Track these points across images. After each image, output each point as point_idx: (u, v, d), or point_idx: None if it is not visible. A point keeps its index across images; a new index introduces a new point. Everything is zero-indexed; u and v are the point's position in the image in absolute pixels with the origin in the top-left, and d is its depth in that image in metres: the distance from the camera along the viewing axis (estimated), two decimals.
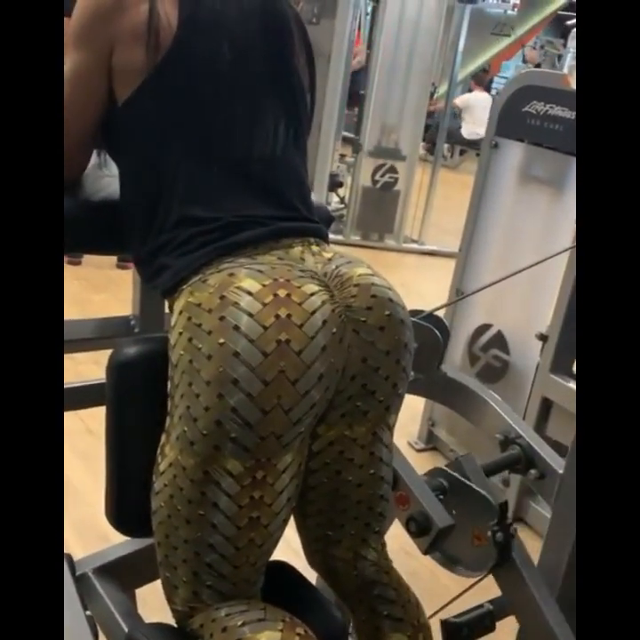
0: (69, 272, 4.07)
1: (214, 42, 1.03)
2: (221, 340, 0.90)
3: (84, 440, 2.39)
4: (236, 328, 0.90)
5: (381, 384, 1.04)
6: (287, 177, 1.10)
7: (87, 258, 4.19)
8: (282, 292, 0.92)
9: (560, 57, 9.62)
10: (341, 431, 1.05)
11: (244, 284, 0.92)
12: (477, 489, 1.24)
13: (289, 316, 0.91)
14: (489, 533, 1.21)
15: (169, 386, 0.98)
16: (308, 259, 1.03)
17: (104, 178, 1.15)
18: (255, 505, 0.94)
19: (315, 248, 1.05)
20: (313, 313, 0.93)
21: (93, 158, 1.13)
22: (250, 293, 0.91)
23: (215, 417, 0.91)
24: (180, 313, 0.96)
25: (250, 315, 0.90)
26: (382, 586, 1.15)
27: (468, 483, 1.24)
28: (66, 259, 4.10)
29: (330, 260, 1.04)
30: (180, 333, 0.95)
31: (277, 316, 0.91)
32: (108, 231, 1.11)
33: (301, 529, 1.15)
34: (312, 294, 0.94)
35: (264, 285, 0.92)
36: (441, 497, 1.27)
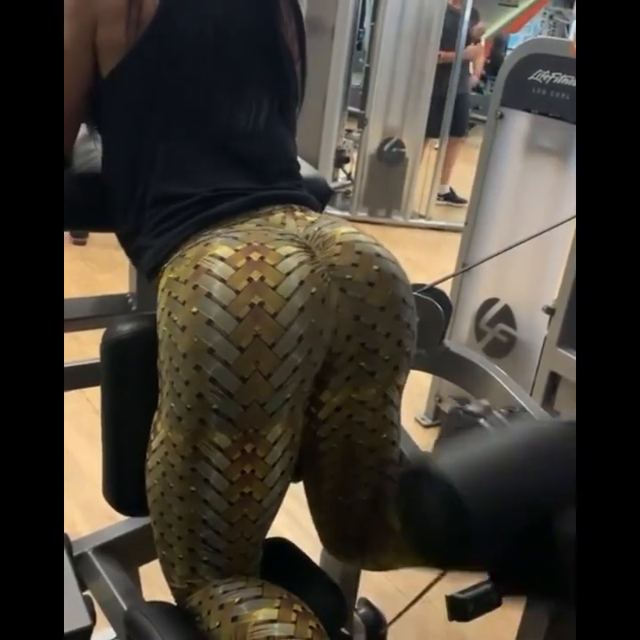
0: (75, 252, 4.07)
1: (197, 13, 1.02)
2: (194, 310, 0.88)
3: (90, 420, 2.38)
4: (209, 295, 0.88)
5: (383, 342, 1.01)
6: (270, 151, 1.08)
7: (92, 237, 4.19)
8: (255, 256, 0.90)
9: (568, 27, 9.49)
10: (347, 394, 1.02)
11: (218, 251, 0.91)
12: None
13: (262, 278, 0.89)
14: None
15: (158, 363, 0.97)
16: (290, 223, 1.01)
17: (93, 152, 1.13)
18: (246, 480, 0.93)
19: (298, 213, 1.03)
20: (288, 274, 0.90)
21: (82, 130, 1.12)
22: (222, 259, 0.89)
23: (196, 390, 0.89)
24: (163, 290, 0.95)
25: (222, 280, 0.88)
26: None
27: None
28: (71, 239, 4.11)
29: (313, 222, 1.01)
30: (163, 309, 0.94)
31: (250, 280, 0.88)
32: (96, 207, 1.10)
33: (313, 497, 1.13)
34: (288, 256, 0.91)
35: (237, 250, 0.90)
36: None
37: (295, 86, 1.14)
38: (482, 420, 1.16)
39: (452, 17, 5.61)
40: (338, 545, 1.17)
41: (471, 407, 1.16)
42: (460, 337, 2.68)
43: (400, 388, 1.09)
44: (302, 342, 0.91)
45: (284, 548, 1.16)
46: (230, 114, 1.04)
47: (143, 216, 1.01)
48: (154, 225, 0.99)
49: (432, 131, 5.72)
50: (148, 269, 1.00)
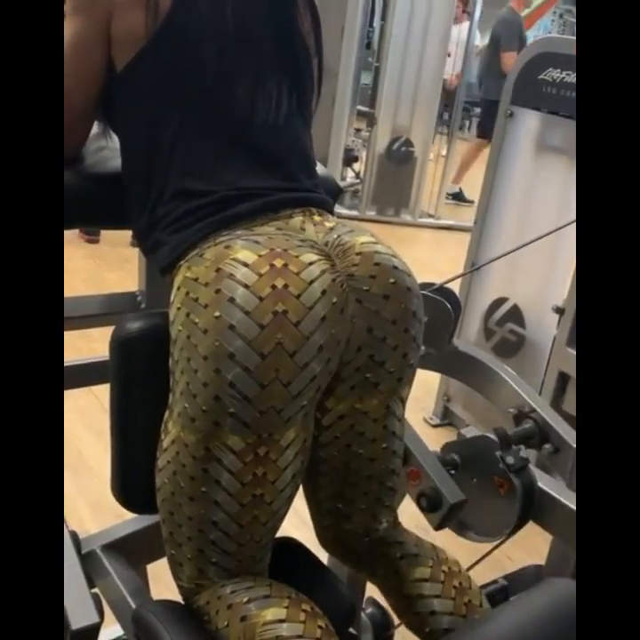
0: (87, 250, 4.10)
1: (215, 5, 1.00)
2: (217, 314, 0.88)
3: (99, 417, 2.38)
4: (232, 300, 0.88)
5: (390, 354, 1.01)
6: (289, 146, 1.07)
7: (104, 236, 4.20)
8: (278, 262, 0.89)
9: None
10: (351, 404, 1.03)
11: (240, 256, 0.90)
12: (474, 435, 1.23)
13: (286, 286, 0.88)
14: (500, 465, 1.19)
15: (170, 362, 0.96)
16: (309, 228, 1.00)
17: (105, 150, 1.13)
18: (258, 482, 0.93)
19: (316, 218, 1.02)
20: (311, 282, 0.90)
21: (94, 127, 1.11)
22: (245, 264, 0.89)
23: (213, 392, 0.89)
24: (178, 288, 0.94)
25: (245, 286, 0.88)
26: (391, 537, 1.13)
27: (466, 438, 1.23)
28: (84, 237, 4.13)
29: (331, 229, 1.01)
30: (179, 308, 0.93)
31: (274, 287, 0.88)
32: (107, 204, 1.10)
33: (312, 502, 1.14)
34: (310, 263, 0.91)
35: (260, 256, 0.90)
36: (453, 472, 1.25)
37: (311, 81, 1.13)
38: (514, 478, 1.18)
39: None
40: (338, 551, 1.18)
41: (509, 460, 1.18)
42: (468, 336, 2.67)
43: (403, 400, 1.09)
44: (322, 352, 0.91)
45: (293, 548, 1.15)
46: (251, 107, 1.03)
47: (161, 211, 1.00)
48: (172, 220, 0.99)
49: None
50: (163, 265, 0.99)
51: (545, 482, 1.22)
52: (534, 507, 1.21)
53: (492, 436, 1.21)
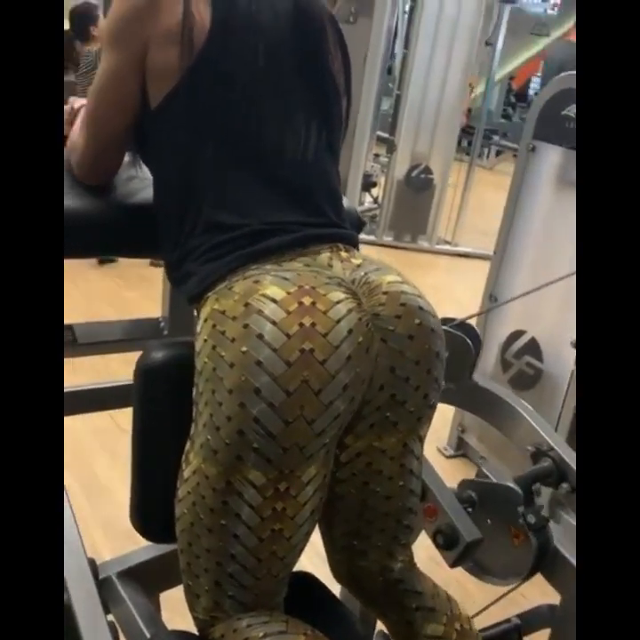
0: (105, 270, 4.13)
1: (247, 43, 1.02)
2: (244, 349, 0.89)
3: (114, 437, 2.39)
4: (260, 336, 0.88)
5: (411, 394, 1.02)
6: (318, 182, 1.08)
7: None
8: (307, 300, 0.90)
9: None
10: (370, 442, 1.03)
11: (269, 292, 0.91)
12: (499, 483, 1.23)
13: (313, 324, 0.89)
14: (520, 520, 1.19)
15: (194, 392, 0.97)
16: (336, 265, 1.01)
17: (134, 179, 1.14)
18: (278, 517, 0.93)
19: (343, 254, 1.03)
20: (338, 321, 0.91)
21: (126, 157, 1.14)
22: (274, 301, 0.90)
23: (237, 426, 0.89)
24: (206, 320, 0.95)
25: (273, 323, 0.88)
26: (408, 581, 1.13)
27: (491, 482, 1.23)
28: (101, 257, 4.17)
29: (358, 266, 1.02)
30: (205, 340, 0.94)
31: (301, 325, 0.89)
32: (137, 235, 1.11)
33: (327, 537, 1.14)
34: (338, 302, 0.92)
35: (289, 293, 0.91)
36: (470, 510, 1.25)
37: (340, 119, 1.14)
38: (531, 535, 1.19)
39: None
40: (352, 587, 1.18)
41: (531, 518, 1.20)
42: (485, 367, 2.66)
43: (422, 439, 1.09)
44: (347, 390, 0.92)
45: (308, 583, 1.15)
46: (280, 144, 1.04)
47: (193, 243, 1.01)
48: (202, 252, 1.00)
49: None
50: (192, 294, 1.00)
51: (561, 541, 1.23)
52: (546, 559, 1.21)
53: (517, 489, 1.20)
